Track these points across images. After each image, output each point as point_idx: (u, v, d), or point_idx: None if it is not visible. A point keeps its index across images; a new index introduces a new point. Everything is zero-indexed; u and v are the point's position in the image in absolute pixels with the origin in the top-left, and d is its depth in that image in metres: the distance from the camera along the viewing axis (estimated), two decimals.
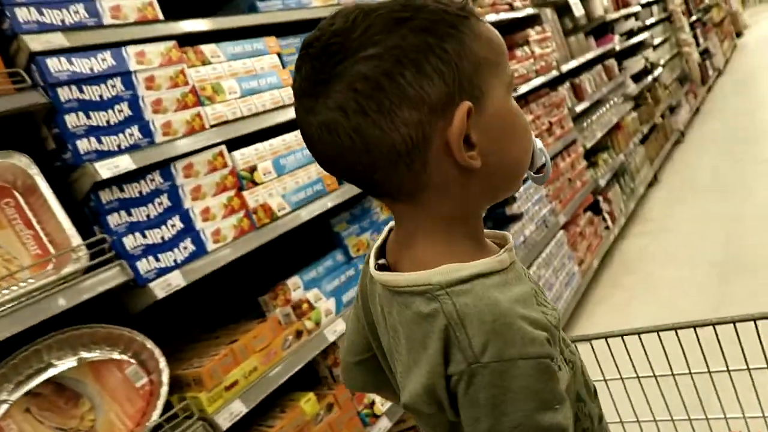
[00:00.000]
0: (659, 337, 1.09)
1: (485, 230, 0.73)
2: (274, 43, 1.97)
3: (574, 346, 0.74)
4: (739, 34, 14.07)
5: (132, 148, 1.53)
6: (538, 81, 3.70)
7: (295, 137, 1.94)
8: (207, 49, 1.77)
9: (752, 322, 1.02)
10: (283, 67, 2.00)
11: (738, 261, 3.36)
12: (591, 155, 4.41)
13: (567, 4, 4.59)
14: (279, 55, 1.99)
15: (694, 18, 9.38)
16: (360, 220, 2.27)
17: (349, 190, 2.10)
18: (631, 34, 6.15)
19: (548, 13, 4.20)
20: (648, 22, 6.98)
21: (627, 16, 6.17)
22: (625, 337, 1.12)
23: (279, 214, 1.81)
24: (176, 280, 1.52)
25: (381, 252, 0.74)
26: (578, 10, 4.65)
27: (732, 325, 1.03)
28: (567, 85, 4.22)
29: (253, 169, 1.77)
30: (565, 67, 4.12)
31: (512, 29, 3.82)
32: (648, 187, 5.23)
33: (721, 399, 1.13)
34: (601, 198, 4.19)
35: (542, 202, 3.37)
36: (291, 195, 1.87)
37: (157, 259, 1.51)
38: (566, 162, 3.80)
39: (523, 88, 3.50)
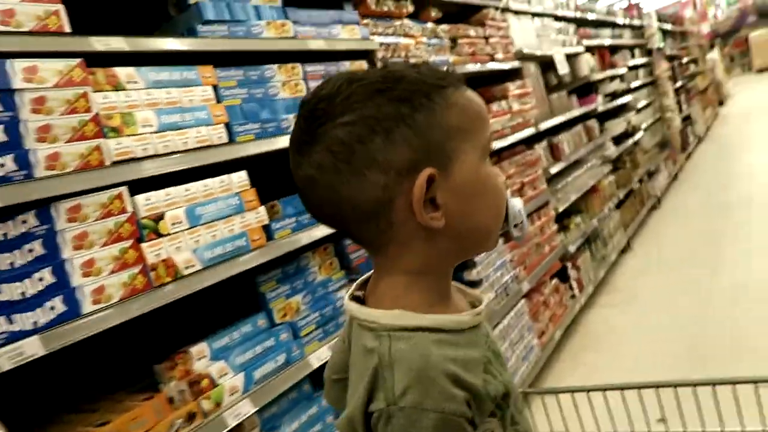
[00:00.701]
0: (623, 395, 1.17)
1: (466, 288, 0.81)
2: (210, 73, 1.72)
3: (526, 425, 0.77)
4: (721, 103, 14.35)
5: (1, 181, 1.25)
6: (514, 138, 3.52)
7: (220, 183, 1.68)
8: (123, 72, 1.52)
9: (710, 387, 1.08)
10: (219, 101, 1.75)
11: (704, 346, 3.18)
12: (563, 218, 4.23)
13: (552, 61, 4.47)
14: (215, 87, 1.74)
15: (678, 84, 9.46)
16: (293, 280, 2.00)
17: (281, 247, 1.84)
18: (615, 95, 6.08)
19: (531, 67, 4.06)
20: (633, 84, 6.95)
21: (612, 78, 6.11)
22: (590, 393, 1.21)
23: (185, 272, 1.53)
24: (32, 349, 1.23)
25: (364, 284, 0.81)
26: (563, 68, 4.53)
27: (692, 388, 1.11)
28: (544, 143, 4.05)
29: (159, 218, 1.50)
30: (543, 125, 3.96)
31: (492, 81, 3.65)
32: (620, 253, 5.07)
33: None
34: (569, 264, 3.99)
35: (505, 268, 3.14)
36: (204, 250, 1.60)
37: (10, 321, 1.22)
38: (536, 225, 3.60)
39: (498, 144, 3.30)
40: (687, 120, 9.47)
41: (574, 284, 4.00)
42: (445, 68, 0.75)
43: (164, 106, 1.58)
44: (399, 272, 0.73)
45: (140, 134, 1.50)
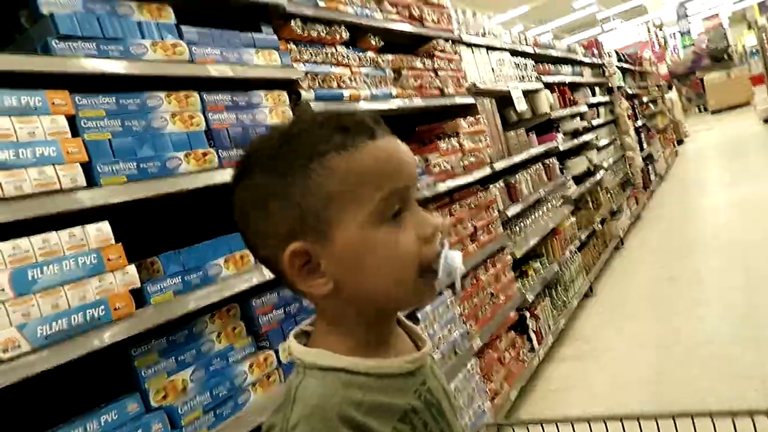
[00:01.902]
0: (590, 427, 1.22)
1: (422, 335, 0.83)
2: (64, 99, 1.38)
3: None
4: (680, 142, 14.60)
5: None
6: (467, 179, 3.25)
7: (69, 238, 1.32)
8: None
9: (671, 419, 1.14)
10: (77, 134, 1.41)
11: (666, 401, 2.90)
12: (521, 264, 3.95)
13: (509, 97, 4.27)
14: (72, 117, 1.40)
15: (639, 123, 9.49)
16: (180, 351, 1.63)
17: (157, 315, 1.47)
18: (576, 133, 5.94)
19: (486, 103, 3.83)
20: (594, 122, 6.85)
21: (573, 115, 5.98)
22: (559, 424, 1.27)
23: (3, 356, 1.16)
24: None
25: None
26: (521, 105, 4.33)
27: (653, 420, 1.15)
28: (501, 183, 3.80)
29: None
30: (499, 165, 3.71)
31: (442, 117, 3.40)
32: (582, 299, 4.81)
33: None
34: (528, 314, 3.70)
35: (454, 324, 2.82)
36: (38, 325, 1.23)
37: None
38: (489, 274, 3.30)
39: (449, 185, 3.02)
40: (648, 159, 9.47)
41: (533, 336, 3.69)
42: (354, 116, 0.72)
43: None
44: (324, 316, 0.76)
45: None
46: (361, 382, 0.70)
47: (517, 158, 4.07)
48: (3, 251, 1.20)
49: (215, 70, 1.77)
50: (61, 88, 1.39)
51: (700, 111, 22.28)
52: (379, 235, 0.69)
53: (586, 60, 7.42)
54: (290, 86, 2.12)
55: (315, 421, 0.66)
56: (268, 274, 1.83)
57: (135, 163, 1.50)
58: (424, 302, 0.79)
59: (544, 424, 1.31)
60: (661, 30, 22.46)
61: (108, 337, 1.35)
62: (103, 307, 1.35)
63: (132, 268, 1.44)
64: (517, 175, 4.04)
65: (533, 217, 4.22)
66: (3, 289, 1.19)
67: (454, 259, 0.72)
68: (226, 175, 1.75)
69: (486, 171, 3.54)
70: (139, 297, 1.47)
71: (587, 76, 7.30)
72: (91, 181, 1.40)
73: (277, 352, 1.84)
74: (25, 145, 1.28)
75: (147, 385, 1.53)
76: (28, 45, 1.44)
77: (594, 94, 7.43)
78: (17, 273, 1.21)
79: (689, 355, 3.34)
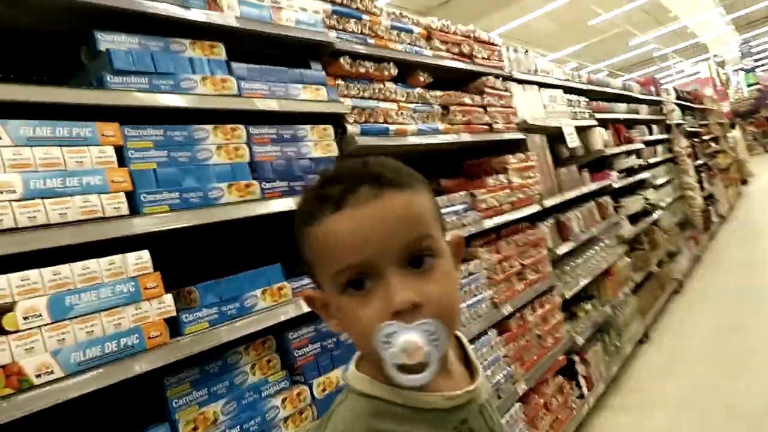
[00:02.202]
0: None
1: (476, 365, 0.82)
2: (114, 131, 1.42)
3: None
4: (744, 182, 13.90)
5: None
6: (515, 215, 3.16)
7: (109, 265, 1.34)
8: None
9: None
10: (123, 164, 1.44)
11: None
12: (570, 305, 3.79)
13: (561, 134, 4.17)
14: (120, 148, 1.44)
15: (699, 162, 9.11)
16: (213, 382, 1.61)
17: (192, 346, 1.46)
18: (631, 171, 5.74)
19: (537, 139, 3.75)
20: (651, 160, 6.62)
21: (629, 153, 5.79)
22: None
23: (35, 381, 1.17)
24: None
25: None
26: (573, 141, 4.22)
27: None
28: (551, 221, 3.68)
29: (5, 310, 1.16)
30: (549, 202, 3.60)
31: (491, 152, 3.35)
32: (637, 345, 4.55)
33: None
34: (577, 359, 3.52)
35: (497, 365, 2.70)
36: (73, 352, 1.23)
37: None
38: (537, 314, 3.17)
39: (495, 222, 2.94)
40: (709, 199, 9.05)
41: (582, 382, 3.50)
42: (335, 180, 0.74)
43: (40, 168, 1.27)
44: None
45: None
46: (395, 412, 0.72)
47: (568, 195, 3.95)
48: (44, 277, 1.23)
49: (261, 104, 1.80)
50: (113, 121, 1.44)
51: (766, 150, 21.25)
52: (340, 302, 0.73)
53: (642, 97, 7.22)
54: (336, 120, 2.13)
55: None
56: (305, 308, 1.80)
57: (178, 193, 1.52)
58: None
59: None
60: (722, 68, 21.77)
61: (141, 366, 1.35)
62: (137, 335, 1.35)
63: (168, 298, 1.44)
64: (568, 213, 3.91)
65: (585, 256, 4.05)
66: (40, 315, 1.20)
67: (396, 341, 0.66)
68: (267, 207, 1.76)
69: (535, 208, 3.44)
70: (174, 326, 1.47)
71: (644, 113, 7.09)
72: (134, 210, 1.42)
73: (311, 387, 1.80)
74: (73, 173, 1.32)
75: (177, 416, 1.51)
76: (85, 80, 1.50)
77: (651, 132, 7.20)
78: (55, 299, 1.23)
79: (758, 420, 3.06)
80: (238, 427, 1.58)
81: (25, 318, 1.18)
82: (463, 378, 0.80)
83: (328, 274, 0.73)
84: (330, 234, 0.71)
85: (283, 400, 1.71)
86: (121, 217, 1.38)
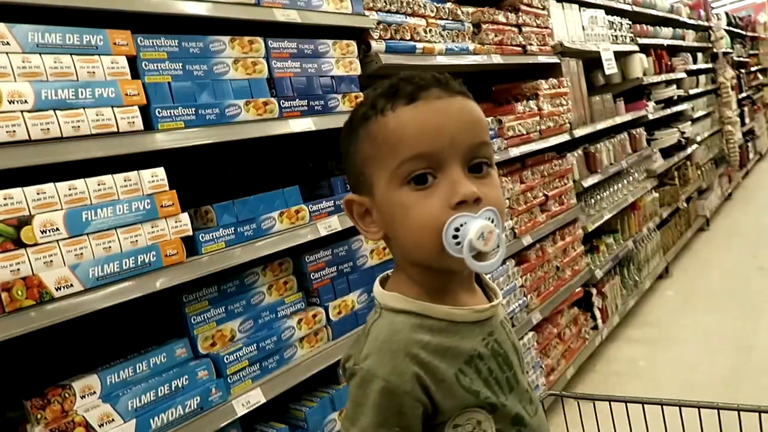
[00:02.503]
0: (662, 412, 1.19)
1: (498, 292, 0.86)
2: (126, 39, 1.35)
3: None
4: None
5: None
6: (542, 144, 3.05)
7: (124, 182, 1.32)
8: None
9: (756, 414, 1.09)
10: (137, 76, 1.39)
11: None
12: (593, 237, 3.74)
13: (599, 58, 3.94)
14: (133, 59, 1.38)
15: (743, 95, 8.65)
16: (231, 300, 1.64)
17: (208, 265, 1.47)
18: (669, 102, 5.47)
19: (572, 64, 3.55)
20: (692, 91, 6.28)
21: (669, 82, 5.49)
22: (628, 404, 1.23)
23: (56, 293, 1.18)
24: None
25: None
26: (610, 68, 4.00)
27: (736, 412, 1.12)
28: (579, 152, 3.56)
29: (22, 223, 1.15)
30: (579, 132, 3.46)
31: (523, 77, 3.18)
32: (657, 279, 4.53)
33: None
34: (594, 291, 3.51)
35: (513, 295, 2.71)
36: (90, 267, 1.24)
37: None
38: (557, 246, 3.13)
39: (521, 150, 2.85)
40: (749, 134, 8.66)
41: (598, 314, 3.52)
42: (410, 80, 0.75)
43: (52, 78, 1.22)
44: (395, 264, 0.83)
45: (5, 112, 1.14)
46: (429, 324, 0.75)
47: (600, 126, 3.79)
48: (59, 191, 1.21)
49: (281, 15, 1.69)
50: (123, 28, 1.37)
51: None
52: (399, 197, 0.73)
53: (690, 22, 6.75)
54: (360, 36, 2.01)
55: (382, 355, 0.72)
56: (323, 231, 1.79)
57: (194, 109, 1.47)
58: (454, 269, 0.76)
59: (612, 402, 1.25)
60: None
61: (159, 283, 1.35)
62: (154, 253, 1.35)
63: (185, 216, 1.43)
64: (598, 144, 3.77)
65: (612, 189, 3.95)
66: (58, 229, 1.20)
67: (468, 230, 0.69)
68: (286, 127, 1.71)
69: (564, 137, 3.31)
70: (191, 245, 1.47)
71: (689, 39, 6.66)
72: (149, 125, 1.38)
73: (326, 309, 1.82)
74: (85, 84, 1.27)
75: (196, 332, 1.55)
76: None
77: (696, 60, 6.79)
78: (72, 213, 1.22)
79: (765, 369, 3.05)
80: (255, 344, 1.61)
81: (43, 231, 1.17)
82: (482, 299, 0.84)
83: (390, 166, 0.73)
84: (405, 121, 0.72)
85: (299, 321, 1.73)
86: (136, 132, 1.34)
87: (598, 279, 3.55)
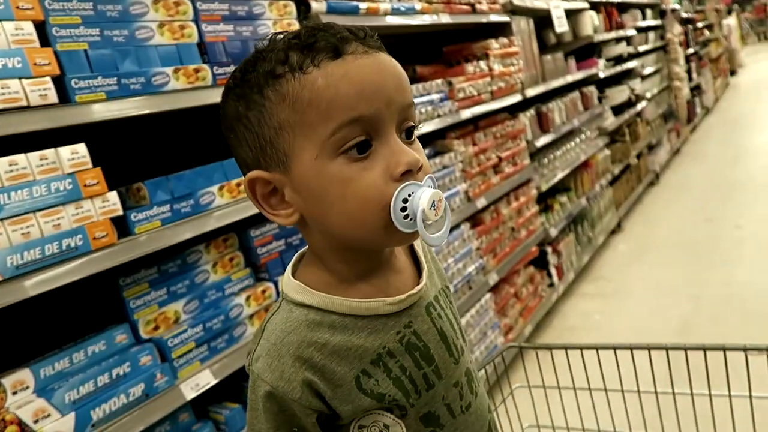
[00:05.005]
0: (615, 356, 1.23)
1: (423, 262, 0.77)
2: (31, 2, 1.23)
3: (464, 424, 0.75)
4: (733, 73, 13.65)
5: None
6: (494, 105, 3.02)
7: (40, 160, 1.21)
8: None
9: (701, 351, 1.13)
10: (48, 44, 1.26)
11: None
12: (547, 197, 3.77)
13: (549, 16, 3.91)
14: (41, 25, 1.25)
15: (691, 51, 8.82)
16: (173, 281, 1.56)
17: (142, 246, 1.38)
18: (620, 59, 5.51)
19: (522, 23, 3.50)
20: (641, 48, 6.35)
21: (619, 40, 5.52)
22: (584, 351, 1.28)
23: None
24: None
25: None
26: (561, 26, 3.97)
27: (683, 351, 1.15)
28: (531, 112, 3.55)
29: None
30: (531, 92, 3.44)
31: (474, 36, 3.12)
32: (609, 235, 4.63)
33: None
34: (549, 249, 3.56)
35: (469, 258, 2.71)
36: (8, 255, 1.15)
37: None
38: (511, 207, 3.14)
39: (472, 112, 2.81)
40: (696, 90, 8.87)
41: (553, 271, 3.58)
42: (326, 31, 0.64)
43: None
44: (308, 249, 0.74)
45: None
46: (331, 320, 0.67)
47: (552, 84, 3.78)
48: None
49: None
50: None
51: (760, 39, 20.69)
52: (334, 169, 0.63)
53: None
54: None
55: (272, 358, 0.66)
56: None
57: (115, 79, 1.36)
58: (397, 245, 0.72)
59: (568, 350, 1.29)
60: None
61: (87, 267, 1.27)
62: (80, 236, 1.26)
63: (113, 195, 1.34)
64: (550, 104, 3.77)
65: (564, 148, 3.97)
66: None
67: (419, 200, 0.63)
68: (220, 95, 1.61)
69: (516, 98, 3.29)
70: (124, 226, 1.38)
71: None
72: (65, 98, 1.27)
73: (276, 284, 1.76)
74: None
75: (136, 316, 1.47)
76: None
77: (645, 17, 6.85)
78: None
79: (722, 306, 3.16)
80: (201, 325, 1.55)
81: None
82: (411, 276, 0.75)
83: (321, 133, 0.62)
84: (336, 78, 0.61)
85: (248, 298, 1.67)
86: (50, 106, 1.23)
87: (553, 237, 3.60)
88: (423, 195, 0.63)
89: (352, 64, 0.62)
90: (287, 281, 0.71)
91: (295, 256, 0.76)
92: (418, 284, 0.73)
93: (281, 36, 0.66)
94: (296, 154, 0.64)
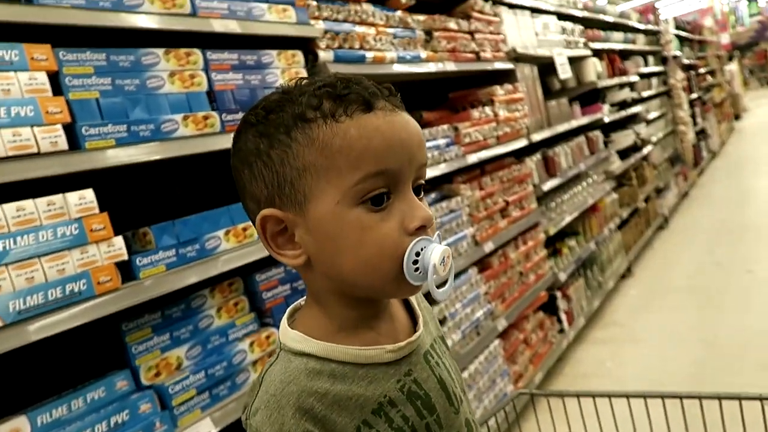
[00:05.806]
0: (629, 404, 1.22)
1: (417, 311, 0.77)
2: (46, 53, 1.26)
3: None
4: (737, 117, 13.77)
5: None
6: (500, 150, 3.04)
7: (47, 206, 1.23)
8: None
9: (716, 400, 1.12)
10: (60, 92, 1.30)
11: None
12: (555, 241, 3.75)
13: (552, 63, 3.98)
14: (55, 75, 1.29)
15: (694, 96, 8.92)
16: (177, 326, 1.55)
17: (148, 290, 1.38)
18: (624, 105, 5.58)
19: (526, 70, 3.57)
20: (645, 94, 6.44)
21: (622, 85, 5.60)
22: (596, 399, 1.27)
23: None
24: None
25: None
26: (564, 72, 4.04)
27: (698, 400, 1.15)
28: (537, 156, 3.57)
29: None
30: (537, 136, 3.47)
31: (478, 83, 3.18)
32: (620, 279, 4.57)
33: None
34: (559, 294, 3.51)
35: (477, 303, 2.67)
36: (10, 300, 1.14)
37: None
38: (519, 251, 3.12)
39: (478, 156, 2.83)
40: (701, 134, 8.93)
41: (563, 317, 3.51)
42: (356, 85, 0.66)
43: None
44: (309, 295, 0.74)
45: None
46: (331, 369, 0.67)
47: (557, 129, 3.82)
48: None
49: (220, 25, 1.62)
50: (44, 42, 1.28)
51: (762, 85, 20.94)
52: (353, 216, 0.65)
53: (640, 26, 6.93)
54: (306, 46, 1.96)
55: (270, 410, 0.64)
56: None
57: (125, 126, 1.38)
58: (401, 296, 0.75)
59: (580, 398, 1.28)
60: None
61: (91, 313, 1.26)
62: (84, 281, 1.26)
63: (119, 240, 1.34)
64: (556, 148, 3.79)
65: (571, 192, 3.97)
66: None
67: (430, 255, 0.65)
68: (229, 141, 1.63)
69: (522, 142, 3.32)
70: (129, 270, 1.38)
71: (640, 43, 6.84)
72: (75, 145, 1.29)
73: None
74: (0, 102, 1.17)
75: (138, 362, 1.45)
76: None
77: (647, 64, 6.97)
78: None
79: (735, 353, 3.08)
80: (203, 371, 1.52)
81: None
82: (405, 324, 0.76)
83: (347, 181, 0.63)
84: (369, 131, 0.64)
85: (251, 344, 1.65)
86: (60, 152, 1.25)
87: (563, 282, 3.55)
88: (435, 251, 0.65)
89: (382, 120, 0.65)
90: (284, 331, 0.70)
91: (289, 308, 0.75)
92: (414, 332, 0.73)
93: (309, 81, 0.68)
94: (316, 196, 0.65)
